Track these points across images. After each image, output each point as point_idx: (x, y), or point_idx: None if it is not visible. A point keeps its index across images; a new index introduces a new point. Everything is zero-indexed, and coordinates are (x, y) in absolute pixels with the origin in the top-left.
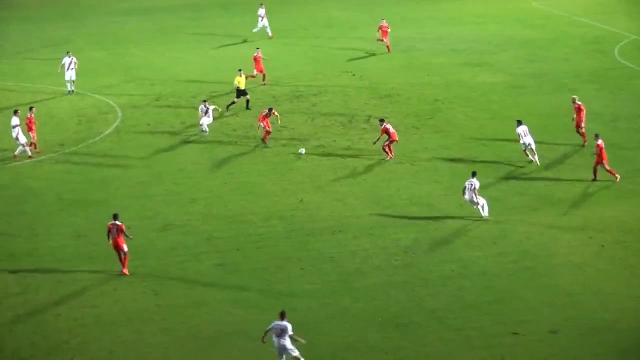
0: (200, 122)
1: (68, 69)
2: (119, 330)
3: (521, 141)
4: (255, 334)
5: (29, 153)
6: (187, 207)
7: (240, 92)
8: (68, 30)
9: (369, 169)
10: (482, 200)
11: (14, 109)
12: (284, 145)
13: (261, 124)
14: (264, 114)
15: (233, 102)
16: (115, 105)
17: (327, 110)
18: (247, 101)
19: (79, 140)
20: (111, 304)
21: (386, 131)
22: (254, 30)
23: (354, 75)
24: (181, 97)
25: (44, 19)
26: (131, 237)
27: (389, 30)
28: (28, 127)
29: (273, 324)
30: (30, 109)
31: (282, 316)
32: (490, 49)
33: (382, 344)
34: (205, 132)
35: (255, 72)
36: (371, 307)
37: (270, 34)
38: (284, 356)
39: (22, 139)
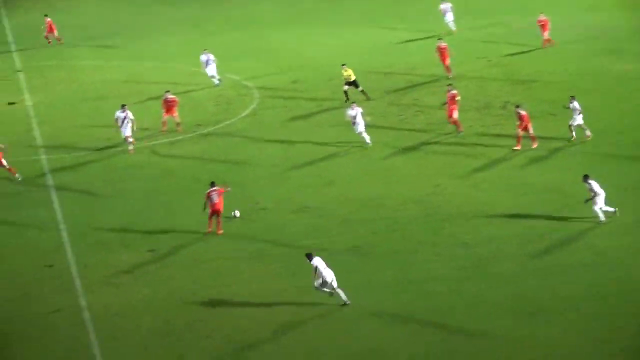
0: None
1: (207, 66)
2: (254, 310)
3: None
4: (389, 317)
5: (131, 148)
6: (323, 190)
7: (351, 83)
8: (206, 11)
9: (503, 155)
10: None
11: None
12: (419, 131)
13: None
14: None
15: (363, 91)
16: (252, 88)
17: (463, 96)
18: (362, 91)
19: (216, 122)
20: (247, 284)
21: (523, 117)
22: (447, 22)
23: (489, 61)
24: (318, 80)
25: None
26: (229, 189)
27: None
28: (167, 109)
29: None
30: (167, 92)
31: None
32: (628, 35)
33: (514, 331)
34: None
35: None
36: (504, 293)
37: (453, 29)
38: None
39: (127, 132)
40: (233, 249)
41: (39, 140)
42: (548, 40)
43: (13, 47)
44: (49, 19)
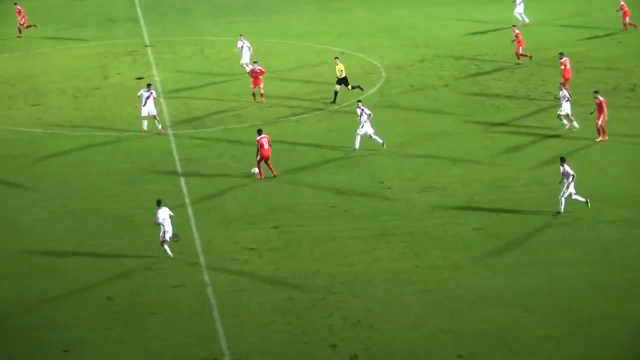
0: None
1: (242, 53)
2: (377, 290)
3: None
4: (512, 299)
5: (159, 127)
6: (448, 170)
7: (342, 81)
8: None
9: (630, 137)
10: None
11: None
12: (542, 110)
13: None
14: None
15: (355, 87)
16: (379, 66)
17: (591, 78)
18: (353, 87)
19: (343, 99)
20: (370, 263)
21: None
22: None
23: (619, 42)
24: (445, 60)
25: None
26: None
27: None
28: (254, 80)
29: None
30: (255, 62)
31: None
32: None
33: (638, 315)
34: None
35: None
36: (630, 277)
37: (527, 20)
38: None
39: (151, 111)
40: (356, 227)
41: (166, 116)
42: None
43: (143, 22)
44: (19, 7)
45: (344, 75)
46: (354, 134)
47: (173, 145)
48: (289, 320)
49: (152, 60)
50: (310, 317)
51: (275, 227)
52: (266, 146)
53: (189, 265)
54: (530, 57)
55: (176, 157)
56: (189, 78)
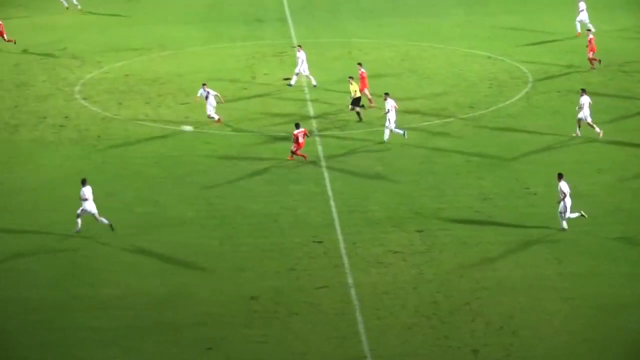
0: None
1: (300, 63)
2: (519, 296)
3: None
4: None
5: (215, 118)
6: (594, 177)
7: (356, 102)
8: None
9: None
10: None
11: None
12: None
13: None
14: None
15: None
16: (526, 71)
17: None
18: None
19: (489, 104)
20: (512, 269)
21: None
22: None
23: None
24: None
25: None
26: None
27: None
28: (362, 83)
29: None
30: (359, 64)
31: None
32: None
33: None
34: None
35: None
36: None
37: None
38: None
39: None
40: (500, 233)
41: (312, 116)
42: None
43: (291, 23)
44: None
45: (357, 95)
46: (500, 138)
47: (319, 146)
48: (432, 324)
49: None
50: (454, 322)
51: (419, 231)
52: (301, 140)
53: (333, 266)
54: (600, 61)
55: (322, 158)
56: (335, 79)
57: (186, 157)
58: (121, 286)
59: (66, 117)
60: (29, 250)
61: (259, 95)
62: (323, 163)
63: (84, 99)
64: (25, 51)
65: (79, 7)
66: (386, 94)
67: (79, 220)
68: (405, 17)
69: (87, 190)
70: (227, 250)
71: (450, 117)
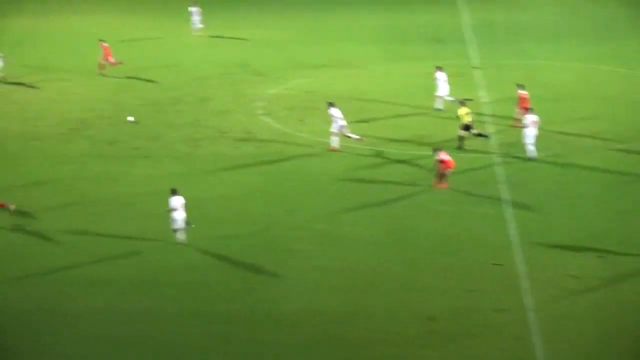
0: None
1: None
2: None
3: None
4: None
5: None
6: None
7: (467, 128)
8: None
9: None
10: None
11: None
12: None
13: None
14: None
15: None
16: None
17: None
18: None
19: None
20: None
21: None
22: None
23: None
24: None
25: None
26: None
27: None
28: (521, 106)
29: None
30: (519, 85)
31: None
32: None
33: None
34: None
35: None
36: None
37: None
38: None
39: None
40: None
41: (492, 138)
42: None
43: (470, 44)
44: (105, 44)
45: (467, 120)
46: None
47: (497, 168)
48: (610, 352)
49: (479, 82)
50: (635, 352)
51: (600, 256)
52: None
53: (511, 288)
54: None
55: (500, 180)
56: (514, 101)
57: (365, 175)
58: (300, 302)
59: (247, 133)
60: (209, 263)
61: (436, 115)
62: (500, 184)
63: (265, 114)
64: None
65: (200, 27)
66: (528, 109)
67: (179, 236)
68: (585, 39)
69: (176, 200)
70: (405, 269)
71: (631, 141)
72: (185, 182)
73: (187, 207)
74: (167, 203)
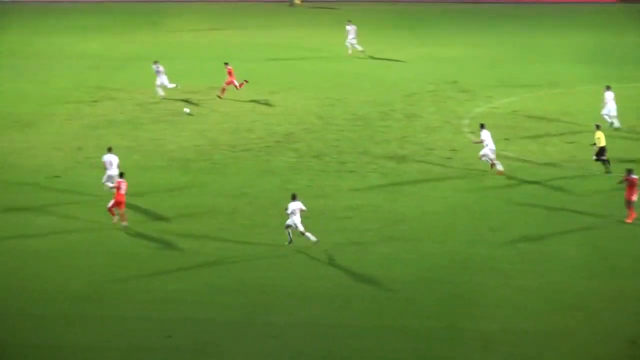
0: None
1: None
2: None
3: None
4: None
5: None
6: None
7: (601, 152)
8: None
9: None
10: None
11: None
12: None
13: None
14: None
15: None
16: None
17: None
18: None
19: None
20: None
21: None
22: None
23: None
24: None
25: None
26: None
27: None
28: None
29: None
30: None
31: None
32: None
33: None
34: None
35: None
36: None
37: None
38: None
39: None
40: None
41: None
42: None
43: None
44: (229, 67)
45: (602, 144)
46: None
47: None
48: None
49: None
50: None
51: None
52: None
53: None
54: None
55: None
56: None
57: (570, 197)
58: (499, 322)
59: (453, 150)
60: (410, 278)
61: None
62: None
63: (472, 132)
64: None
65: (359, 48)
66: None
67: (289, 231)
68: None
69: (294, 205)
70: (608, 291)
71: None
72: (390, 198)
73: (395, 221)
74: (370, 217)
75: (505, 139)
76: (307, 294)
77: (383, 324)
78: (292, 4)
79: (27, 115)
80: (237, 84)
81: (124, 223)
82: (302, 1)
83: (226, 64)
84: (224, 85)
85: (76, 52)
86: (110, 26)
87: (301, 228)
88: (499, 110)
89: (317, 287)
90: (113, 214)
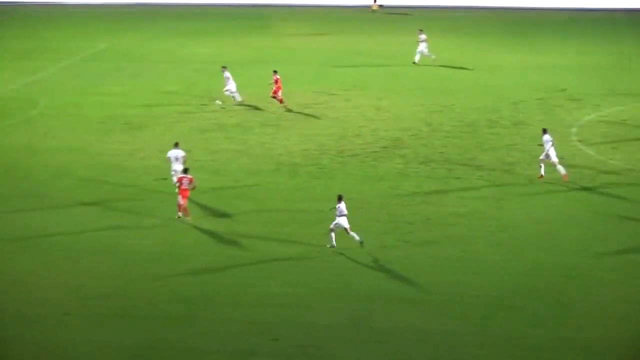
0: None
1: None
2: None
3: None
4: None
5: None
6: None
7: None
8: None
9: None
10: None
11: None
12: None
13: None
14: None
15: None
16: None
17: None
18: None
19: None
20: None
21: None
22: None
23: None
24: None
25: None
26: None
27: None
28: None
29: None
30: None
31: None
32: None
33: None
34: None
35: None
36: None
37: None
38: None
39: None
40: None
41: None
42: None
43: None
44: (277, 76)
45: None
46: None
47: None
48: None
49: None
50: None
51: None
52: None
53: None
54: None
55: None
56: None
57: None
58: (602, 331)
59: (561, 158)
60: (522, 287)
61: None
62: None
63: (579, 141)
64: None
65: (431, 57)
66: None
67: (333, 235)
68: None
69: (342, 206)
70: None
71: None
72: (496, 205)
73: (501, 229)
74: (477, 224)
75: (613, 148)
76: (412, 300)
77: (488, 332)
78: (373, 9)
79: (137, 118)
80: (279, 95)
81: (188, 218)
82: (379, 7)
83: (275, 72)
84: (277, 95)
85: (186, 56)
86: (219, 30)
87: (347, 226)
88: (607, 118)
89: (422, 293)
90: (179, 210)
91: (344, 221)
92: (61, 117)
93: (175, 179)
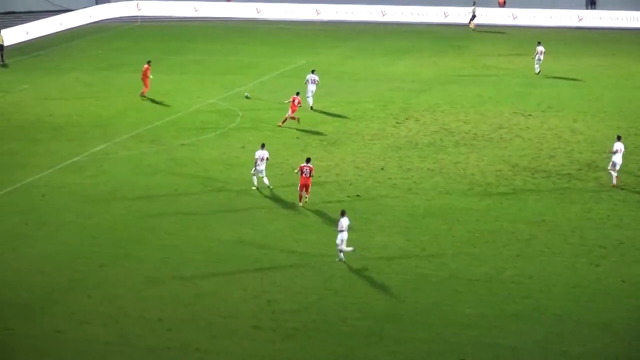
0: None
1: None
2: None
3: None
4: None
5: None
6: None
7: None
8: None
9: None
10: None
11: None
12: None
13: None
14: None
15: None
16: None
17: None
18: None
19: None
20: None
21: None
22: None
23: None
24: None
25: None
26: None
27: None
28: None
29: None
30: None
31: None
32: None
33: None
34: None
35: None
36: None
37: None
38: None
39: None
40: None
41: None
42: None
43: None
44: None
45: None
46: None
47: None
48: None
49: None
50: None
51: None
52: None
53: None
54: None
55: None
56: None
57: None
58: None
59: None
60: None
61: None
62: None
63: None
64: None
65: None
66: None
67: (342, 255)
68: None
69: (344, 222)
70: None
71: None
72: None
73: None
74: None
75: None
76: (605, 325)
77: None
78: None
79: (333, 135)
80: (293, 114)
81: (300, 203)
82: (475, 26)
83: (297, 93)
84: (293, 115)
85: (383, 74)
86: (417, 49)
87: (343, 246)
88: None
89: (616, 318)
90: (300, 198)
91: (344, 237)
92: (259, 132)
93: (255, 178)
